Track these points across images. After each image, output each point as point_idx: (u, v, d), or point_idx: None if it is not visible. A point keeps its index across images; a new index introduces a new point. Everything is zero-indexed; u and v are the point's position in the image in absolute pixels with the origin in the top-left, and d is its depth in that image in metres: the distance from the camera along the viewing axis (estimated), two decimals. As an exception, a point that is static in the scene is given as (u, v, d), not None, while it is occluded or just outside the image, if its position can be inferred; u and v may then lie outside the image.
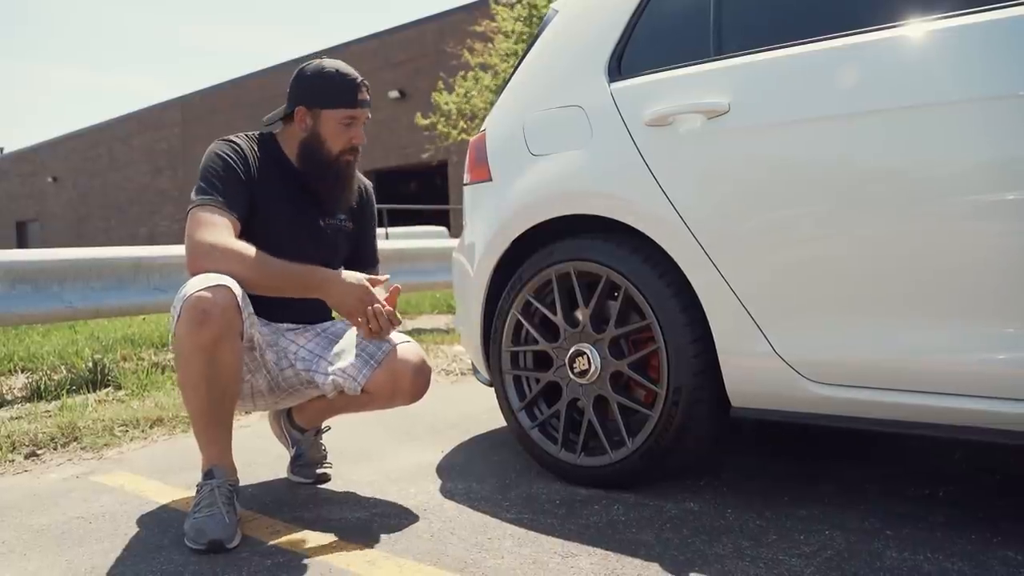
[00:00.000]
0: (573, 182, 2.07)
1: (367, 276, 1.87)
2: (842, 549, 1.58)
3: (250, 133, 2.01)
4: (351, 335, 1.97)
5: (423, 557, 1.61)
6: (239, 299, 1.71)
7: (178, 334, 1.69)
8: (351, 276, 1.85)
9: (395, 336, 1.94)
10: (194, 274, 1.73)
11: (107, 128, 29.51)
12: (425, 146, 15.50)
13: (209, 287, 1.67)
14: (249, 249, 1.77)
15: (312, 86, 1.93)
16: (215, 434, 1.74)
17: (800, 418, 1.76)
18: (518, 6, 11.51)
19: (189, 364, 1.68)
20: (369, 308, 1.83)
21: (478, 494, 2.01)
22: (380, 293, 1.88)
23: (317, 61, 1.97)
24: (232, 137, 1.95)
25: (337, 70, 1.93)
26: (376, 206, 2.22)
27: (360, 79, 1.95)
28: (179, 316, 1.68)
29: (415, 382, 1.92)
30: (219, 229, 1.77)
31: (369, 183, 2.19)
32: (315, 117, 1.93)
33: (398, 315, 1.88)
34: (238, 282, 1.73)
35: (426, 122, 12.99)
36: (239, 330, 1.72)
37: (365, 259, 2.14)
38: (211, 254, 1.74)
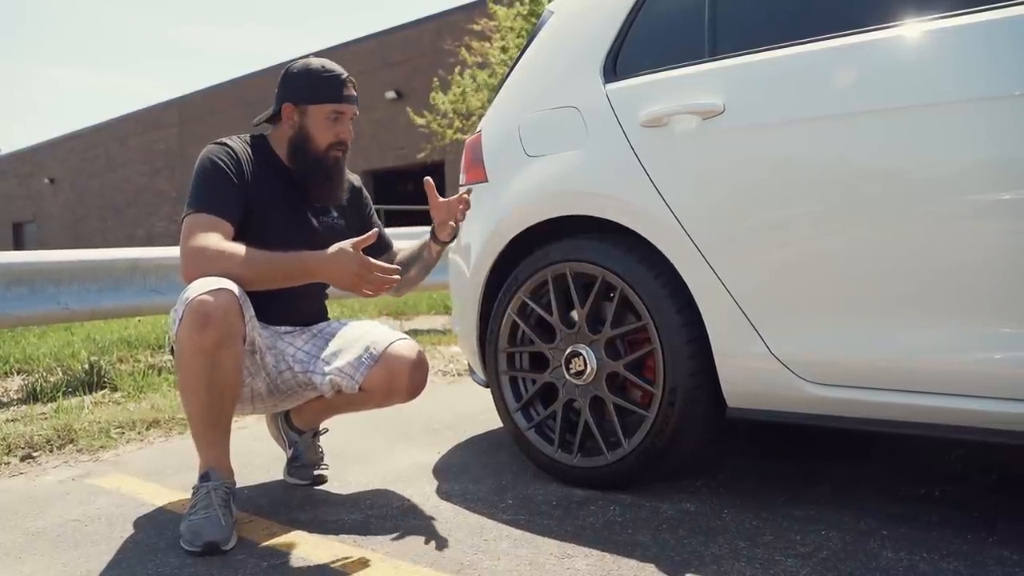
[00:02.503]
0: (569, 183, 2.07)
1: (351, 242, 1.74)
2: (838, 549, 1.58)
3: (243, 135, 2.01)
4: (346, 334, 1.97)
5: (419, 558, 1.61)
6: (240, 302, 1.71)
7: (180, 337, 1.69)
8: (339, 252, 1.74)
9: (392, 333, 1.95)
10: (189, 282, 1.73)
11: (105, 128, 29.43)
12: (422, 145, 15.48)
13: (211, 290, 1.67)
14: (238, 248, 1.76)
15: (298, 83, 1.94)
16: (213, 437, 1.74)
17: (797, 418, 1.76)
18: (517, 3, 11.47)
19: (190, 367, 1.68)
20: (369, 276, 1.73)
21: (475, 495, 2.01)
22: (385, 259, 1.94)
23: (303, 59, 1.97)
24: (225, 140, 1.95)
25: (323, 66, 1.95)
26: (372, 205, 2.21)
27: (346, 75, 1.95)
28: (181, 319, 1.68)
29: (412, 379, 1.92)
30: (210, 235, 1.78)
31: (356, 176, 2.19)
32: (302, 114, 1.94)
33: (394, 267, 1.80)
34: (236, 283, 1.73)
35: (422, 121, 12.97)
36: (240, 333, 1.72)
37: (374, 250, 2.06)
38: (201, 260, 1.75)
